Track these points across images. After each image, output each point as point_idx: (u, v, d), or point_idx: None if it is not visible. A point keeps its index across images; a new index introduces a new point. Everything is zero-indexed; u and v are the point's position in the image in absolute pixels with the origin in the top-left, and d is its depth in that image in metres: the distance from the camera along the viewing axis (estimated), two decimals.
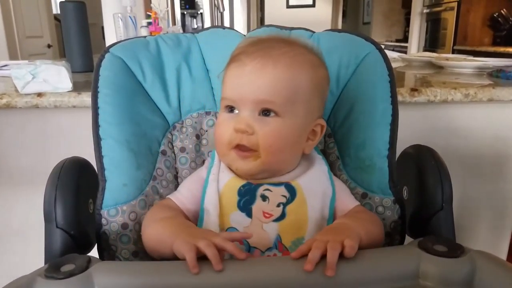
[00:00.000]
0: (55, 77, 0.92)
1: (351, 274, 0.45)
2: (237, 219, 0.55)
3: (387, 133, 0.61)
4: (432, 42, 4.14)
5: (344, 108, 0.67)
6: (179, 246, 0.45)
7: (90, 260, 0.46)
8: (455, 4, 3.55)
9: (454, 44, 3.75)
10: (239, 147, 0.55)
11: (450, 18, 3.65)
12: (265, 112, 0.54)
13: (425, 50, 4.25)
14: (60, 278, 0.43)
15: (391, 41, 5.17)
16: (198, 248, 0.44)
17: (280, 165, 0.58)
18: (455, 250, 0.47)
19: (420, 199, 0.60)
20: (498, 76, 1.17)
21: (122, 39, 1.58)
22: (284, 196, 0.56)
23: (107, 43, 1.97)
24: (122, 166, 0.60)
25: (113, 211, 0.58)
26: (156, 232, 0.53)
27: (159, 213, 0.57)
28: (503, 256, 1.28)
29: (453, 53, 3.74)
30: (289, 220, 0.55)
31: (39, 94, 0.92)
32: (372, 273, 0.46)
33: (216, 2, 2.31)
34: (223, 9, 2.22)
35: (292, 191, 0.56)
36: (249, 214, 0.55)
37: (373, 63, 0.65)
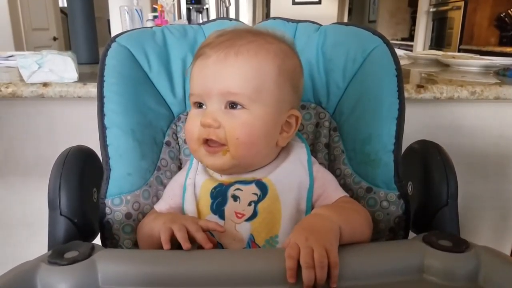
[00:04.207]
0: (61, 67, 0.92)
1: (355, 267, 0.45)
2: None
3: (393, 128, 0.61)
4: (438, 41, 4.12)
5: (350, 101, 0.67)
6: (160, 229, 0.49)
7: (93, 247, 0.46)
8: (461, 4, 3.53)
9: (460, 43, 3.73)
10: (207, 143, 0.54)
11: (456, 17, 3.64)
12: (232, 105, 0.53)
13: (430, 49, 4.23)
14: (63, 264, 0.43)
15: (397, 40, 5.15)
16: (172, 230, 0.48)
17: (252, 159, 0.56)
18: (460, 245, 0.47)
19: (425, 194, 0.60)
20: (505, 75, 1.16)
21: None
22: (255, 194, 0.55)
23: (112, 35, 1.98)
24: (126, 155, 0.60)
25: (117, 200, 0.58)
26: (147, 228, 0.55)
27: (151, 216, 0.58)
28: (507, 253, 1.29)
29: (459, 52, 3.72)
30: (261, 219, 0.54)
31: (45, 84, 0.92)
32: (377, 266, 0.46)
33: (219, 2, 2.31)
34: (229, 4, 2.21)
35: (263, 188, 0.56)
36: (221, 216, 0.55)
37: (381, 57, 0.64)
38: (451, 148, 1.13)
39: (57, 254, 0.45)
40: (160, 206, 0.60)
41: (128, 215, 0.59)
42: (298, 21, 0.73)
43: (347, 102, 0.67)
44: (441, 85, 0.99)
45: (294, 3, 4.39)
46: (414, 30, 4.40)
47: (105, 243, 0.59)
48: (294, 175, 0.58)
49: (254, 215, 0.54)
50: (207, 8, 3.25)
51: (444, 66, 1.40)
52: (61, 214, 0.53)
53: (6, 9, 3.17)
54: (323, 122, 0.70)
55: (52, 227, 0.53)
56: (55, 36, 3.83)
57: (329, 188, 0.58)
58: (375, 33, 0.67)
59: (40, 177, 1.14)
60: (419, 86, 0.99)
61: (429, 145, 0.63)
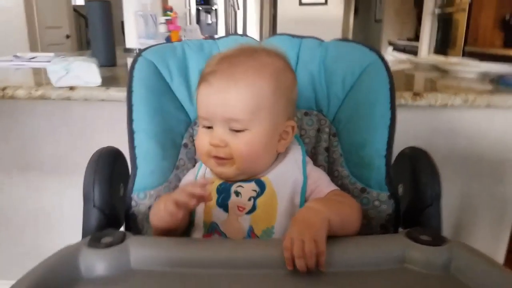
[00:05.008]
0: (86, 72, 1.01)
1: (344, 256, 0.53)
2: (217, 214, 0.63)
3: (385, 135, 0.68)
4: (443, 43, 4.12)
5: (348, 110, 0.74)
6: (165, 204, 0.57)
7: (125, 234, 0.55)
8: (466, 5, 3.53)
9: (465, 45, 3.75)
10: (216, 157, 0.62)
11: (461, 19, 3.64)
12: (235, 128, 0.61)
13: (436, 50, 4.25)
14: (101, 247, 0.51)
15: (403, 40, 5.16)
16: (176, 200, 0.55)
17: (254, 168, 0.64)
18: (437, 240, 0.55)
19: (413, 195, 0.66)
20: (499, 82, 1.21)
21: (143, 35, 1.66)
22: (255, 191, 0.63)
23: (127, 39, 2.07)
24: (151, 156, 0.69)
25: (142, 194, 0.67)
26: (156, 216, 0.61)
27: (158, 203, 0.65)
28: (502, 254, 1.34)
29: (463, 54, 3.74)
30: (259, 212, 0.62)
31: (71, 88, 1.00)
32: (363, 256, 0.54)
33: (231, 0, 2.38)
34: (238, 8, 2.29)
35: (261, 185, 0.63)
36: (226, 209, 0.63)
37: (376, 71, 0.71)
38: (448, 151, 1.21)
39: (95, 239, 0.53)
40: None
41: (151, 208, 0.67)
42: (302, 37, 0.80)
43: (345, 111, 0.75)
44: (436, 93, 1.05)
45: (300, 3, 4.43)
46: (420, 30, 4.42)
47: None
48: (289, 173, 0.65)
49: (253, 209, 0.62)
50: (215, 10, 3.32)
51: (443, 71, 1.47)
52: (94, 206, 0.61)
53: (21, 8, 3.26)
54: (323, 128, 0.78)
55: (86, 217, 0.62)
56: (67, 34, 3.91)
57: (322, 184, 0.66)
58: (371, 49, 0.74)
59: (63, 174, 1.23)
60: (415, 94, 1.05)
61: (417, 151, 0.69)
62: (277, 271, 0.50)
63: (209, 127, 0.63)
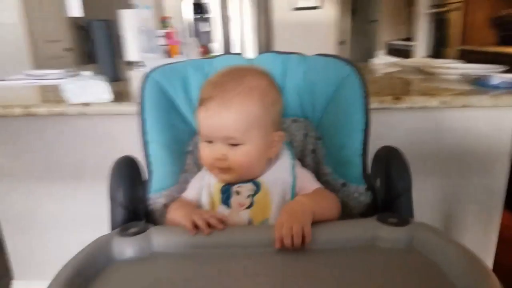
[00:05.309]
0: (98, 89, 1.13)
1: (324, 236, 0.65)
2: (221, 210, 0.75)
3: (360, 138, 0.79)
4: (438, 42, 4.18)
5: (330, 117, 0.85)
6: (182, 219, 0.68)
7: (147, 225, 0.67)
8: (460, 4, 3.59)
9: (461, 43, 3.82)
10: (218, 167, 0.74)
11: (456, 18, 3.70)
12: (232, 143, 0.72)
13: (431, 50, 4.32)
14: (129, 236, 0.64)
15: (398, 40, 5.20)
16: (193, 220, 0.66)
17: (250, 174, 0.75)
18: (402, 222, 0.66)
19: (387, 187, 0.77)
20: (476, 84, 1.31)
21: (145, 49, 1.78)
22: (252, 190, 0.75)
23: (128, 52, 2.19)
24: (163, 162, 0.81)
25: (157, 194, 0.80)
26: (173, 216, 0.74)
27: (175, 205, 0.78)
28: (493, 245, 1.42)
29: (459, 53, 3.81)
30: (256, 207, 0.73)
31: (85, 104, 1.13)
32: (340, 236, 0.66)
33: (223, 11, 2.51)
34: (229, 19, 2.40)
35: (257, 185, 0.75)
36: (229, 206, 0.74)
37: (352, 82, 0.81)
38: (435, 149, 1.31)
39: (124, 230, 0.66)
40: (185, 195, 0.80)
41: (166, 205, 0.79)
42: (288, 53, 0.90)
43: (327, 117, 0.86)
44: (414, 97, 1.17)
45: (295, 9, 4.52)
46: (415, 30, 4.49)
47: None
48: (280, 175, 0.77)
49: (251, 205, 0.74)
50: (210, 18, 3.45)
51: (429, 74, 1.58)
52: (119, 205, 0.73)
53: (20, 23, 3.35)
54: (310, 132, 0.89)
55: (113, 214, 0.74)
56: (67, 47, 4.02)
57: (308, 183, 0.78)
58: (348, 62, 0.83)
59: (80, 182, 1.35)
60: (396, 98, 1.16)
61: (391, 149, 0.79)
62: (271, 249, 0.63)
63: (210, 141, 0.74)
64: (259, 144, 0.74)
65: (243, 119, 0.71)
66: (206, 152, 0.75)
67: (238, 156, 0.72)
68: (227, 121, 0.71)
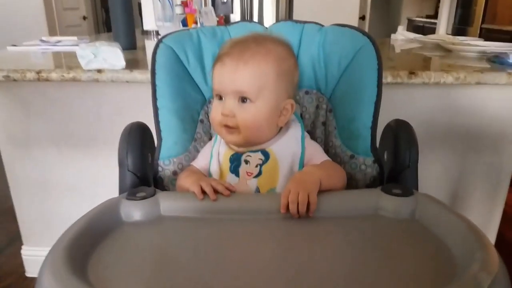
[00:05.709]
0: (112, 56, 1.13)
1: (329, 204, 0.66)
2: (230, 179, 0.76)
3: (372, 110, 0.79)
4: (462, 20, 4.09)
5: (342, 89, 0.85)
6: (191, 186, 0.69)
7: (155, 190, 0.69)
8: None
9: (483, 22, 3.71)
10: (226, 126, 0.74)
11: None
12: (243, 99, 0.72)
13: (454, 27, 4.22)
14: (137, 199, 0.66)
15: (422, 17, 5.09)
16: (201, 186, 0.68)
17: (257, 138, 0.75)
18: (406, 193, 0.67)
19: (394, 159, 0.77)
20: (494, 61, 1.28)
21: (160, 17, 1.77)
22: (261, 159, 0.75)
23: (145, 21, 2.18)
24: (173, 129, 0.82)
25: (167, 161, 0.81)
26: (183, 182, 0.76)
27: (185, 173, 0.80)
28: (497, 220, 1.44)
29: (481, 31, 3.71)
30: (264, 176, 0.74)
31: (99, 71, 1.13)
32: (345, 204, 0.67)
33: None
34: None
35: (266, 155, 0.76)
36: (237, 174, 0.76)
37: (367, 54, 0.81)
38: (448, 126, 1.29)
39: (132, 194, 0.67)
40: (195, 163, 0.82)
41: (174, 173, 0.81)
42: (304, 22, 0.90)
43: (340, 89, 0.86)
44: (429, 72, 1.15)
45: None
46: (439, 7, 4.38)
47: None
48: (289, 146, 0.78)
49: (259, 174, 0.75)
50: None
51: (448, 50, 1.55)
52: (128, 170, 0.75)
53: None
54: (321, 105, 0.89)
55: (122, 179, 0.75)
56: (84, 15, 4.03)
57: (316, 155, 0.78)
58: (364, 33, 0.83)
59: (90, 149, 1.38)
60: (411, 73, 1.14)
61: (400, 122, 0.79)
62: (276, 215, 0.64)
63: (220, 98, 0.74)
64: (269, 106, 0.74)
65: (256, 77, 0.71)
66: (216, 110, 0.75)
67: (246, 115, 0.73)
68: (241, 75, 0.71)
